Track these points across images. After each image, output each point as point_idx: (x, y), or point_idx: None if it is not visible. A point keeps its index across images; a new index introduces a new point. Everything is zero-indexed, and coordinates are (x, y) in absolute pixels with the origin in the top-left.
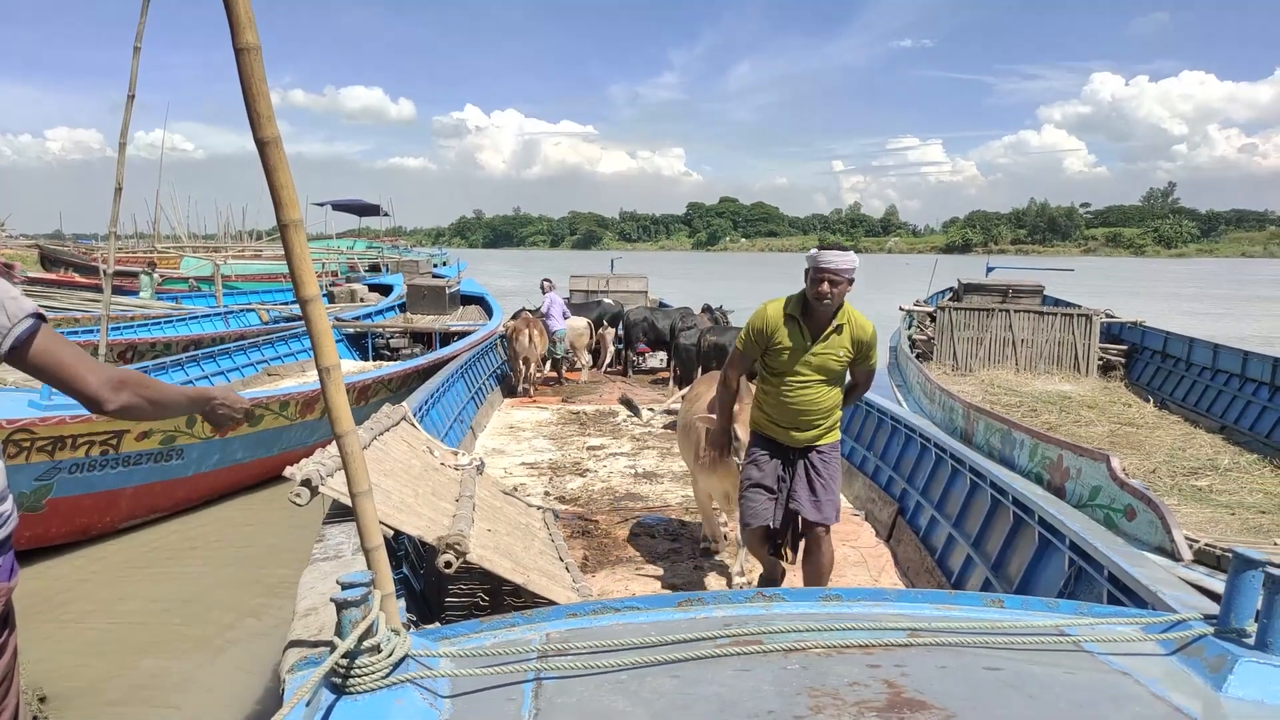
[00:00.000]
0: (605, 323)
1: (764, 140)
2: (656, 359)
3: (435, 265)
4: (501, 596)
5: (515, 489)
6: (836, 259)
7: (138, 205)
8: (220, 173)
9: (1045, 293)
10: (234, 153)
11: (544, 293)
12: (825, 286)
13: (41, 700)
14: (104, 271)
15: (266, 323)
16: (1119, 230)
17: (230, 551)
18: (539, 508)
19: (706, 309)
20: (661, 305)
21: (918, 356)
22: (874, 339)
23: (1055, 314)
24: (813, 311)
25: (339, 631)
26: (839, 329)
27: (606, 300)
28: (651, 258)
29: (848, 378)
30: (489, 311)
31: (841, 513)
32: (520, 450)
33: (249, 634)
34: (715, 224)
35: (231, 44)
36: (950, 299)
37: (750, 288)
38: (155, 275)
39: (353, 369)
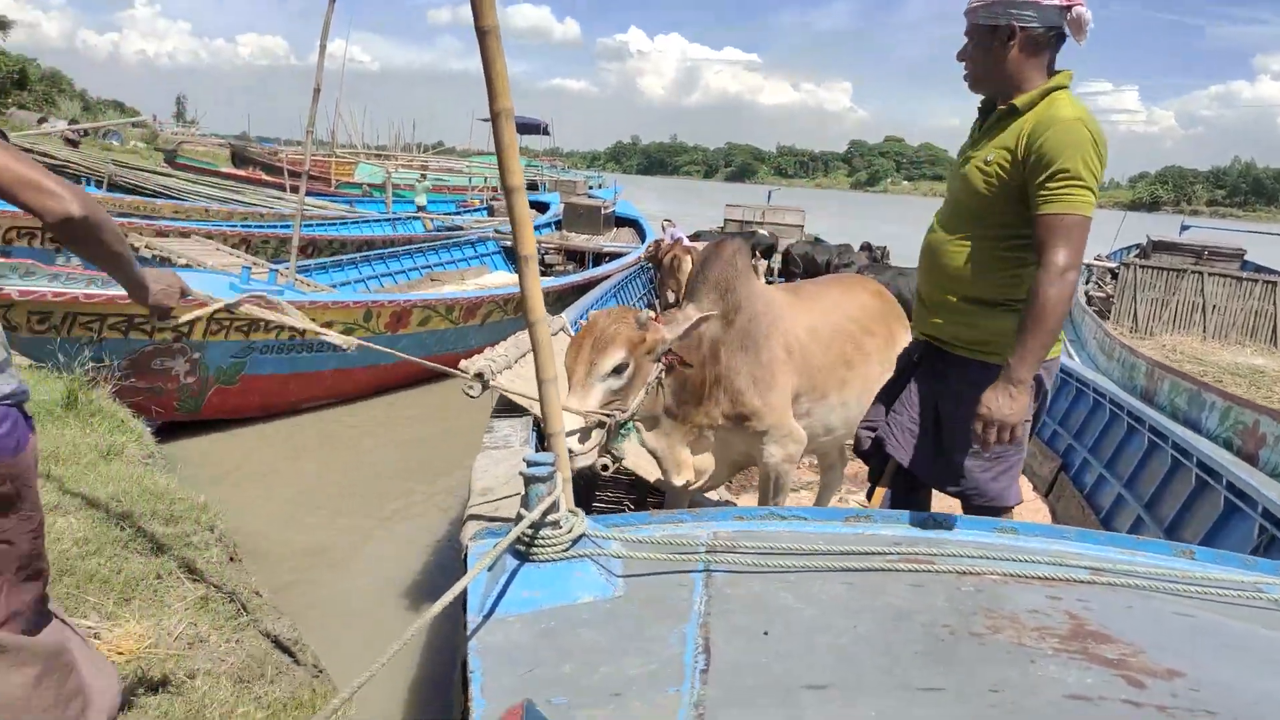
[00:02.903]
0: (758, 254)
1: (937, 78)
2: None
3: (590, 187)
4: (646, 508)
5: None
6: None
7: (320, 113)
8: (392, 86)
9: (1245, 258)
10: (405, 66)
11: (664, 231)
12: (962, 53)
13: (232, 558)
14: (286, 173)
15: (430, 230)
16: None
17: (397, 438)
18: None
19: (866, 247)
20: (817, 241)
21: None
22: (1064, 139)
23: (1256, 280)
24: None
25: (525, 504)
26: (1006, 117)
27: (761, 231)
28: (807, 194)
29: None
30: (642, 235)
31: None
32: None
33: (419, 509)
34: (877, 164)
35: None
36: (1136, 256)
37: (910, 232)
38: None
39: (509, 280)
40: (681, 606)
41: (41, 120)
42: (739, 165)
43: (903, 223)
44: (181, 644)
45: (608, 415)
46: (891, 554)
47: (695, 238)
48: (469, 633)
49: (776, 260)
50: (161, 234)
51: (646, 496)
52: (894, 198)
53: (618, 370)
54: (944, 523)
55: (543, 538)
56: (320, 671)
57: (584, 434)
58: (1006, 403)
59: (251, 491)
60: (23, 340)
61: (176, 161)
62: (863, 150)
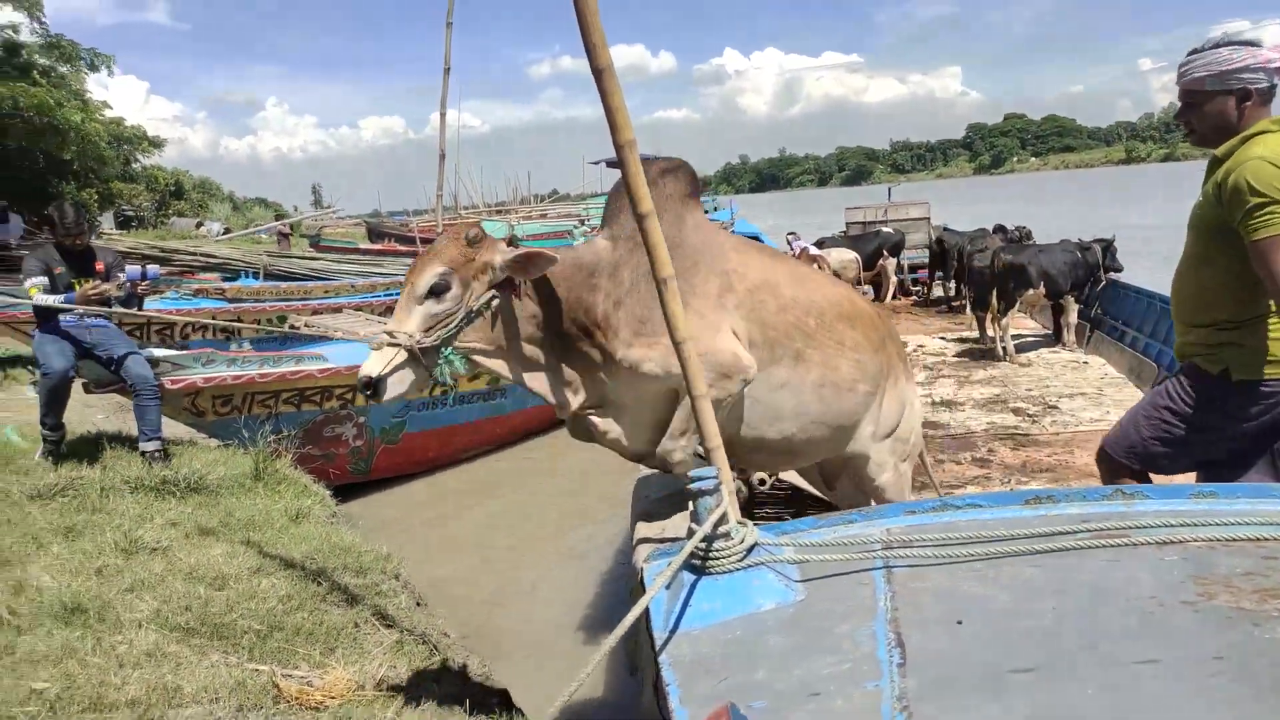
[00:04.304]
0: (886, 252)
1: (1053, 47)
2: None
3: (706, 212)
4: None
5: None
6: (1188, 63)
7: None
8: (503, 143)
9: None
10: (512, 122)
11: (790, 245)
12: (1184, 115)
13: (418, 604)
14: (419, 241)
15: None
16: None
17: (550, 478)
18: None
19: (1000, 229)
20: (946, 230)
21: None
22: (1248, 183)
23: None
24: None
25: (695, 518)
26: (1218, 163)
27: (885, 229)
28: (928, 187)
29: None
30: None
31: None
32: None
33: (585, 540)
34: (1000, 144)
35: None
36: None
37: (1045, 211)
38: (584, 226)
39: None
40: (866, 604)
41: (198, 225)
42: (853, 168)
43: (1037, 201)
44: (384, 687)
45: (420, 341)
46: (1081, 532)
47: (820, 245)
48: (658, 649)
49: (906, 256)
50: (316, 312)
51: (806, 508)
52: (1022, 177)
53: (435, 291)
54: (1134, 494)
55: (717, 550)
56: (511, 705)
57: (406, 361)
58: None
59: (426, 540)
60: (211, 424)
61: (320, 244)
62: (982, 133)
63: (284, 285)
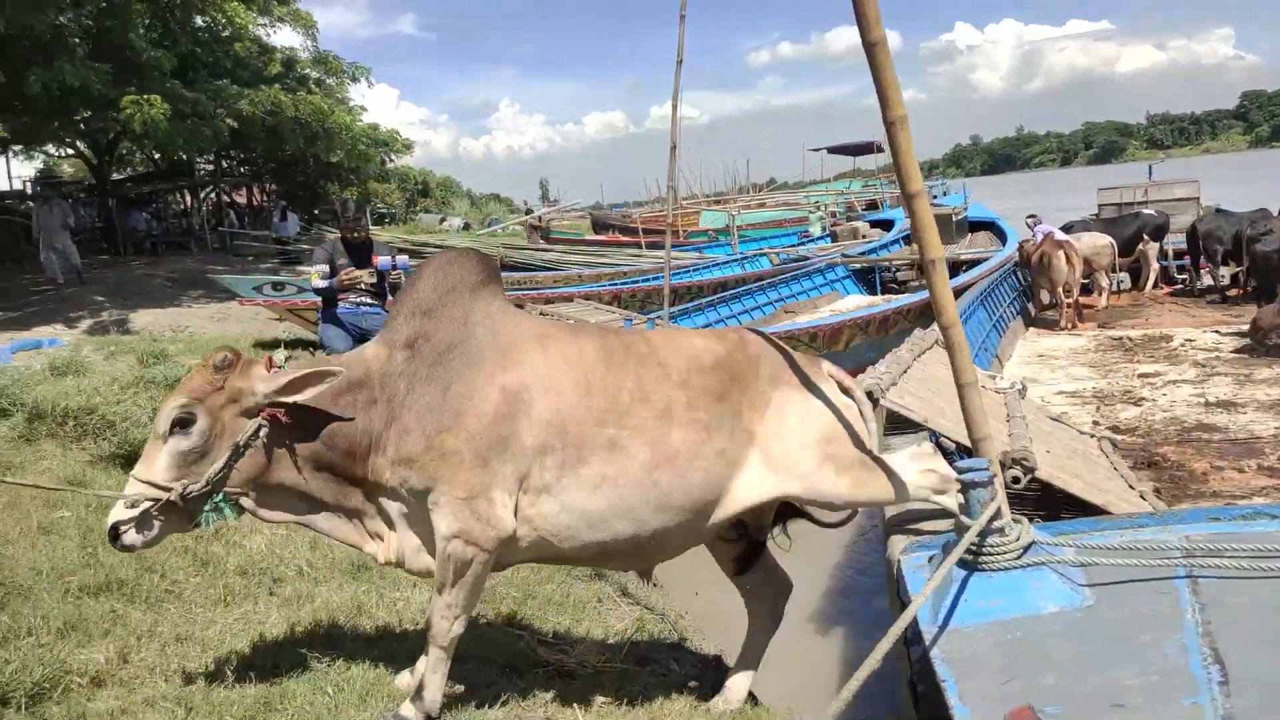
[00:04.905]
0: (1146, 236)
1: None
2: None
3: (935, 196)
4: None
5: (1060, 416)
6: None
7: (659, 171)
8: (722, 133)
9: None
10: (731, 112)
11: (1031, 229)
12: None
13: (654, 584)
14: (641, 231)
15: (777, 265)
16: None
17: None
18: (1091, 435)
19: None
20: (1220, 212)
21: None
22: None
23: None
24: None
25: (968, 512)
26: None
27: (1146, 211)
28: (1194, 163)
29: None
30: (1001, 237)
31: None
32: (1055, 379)
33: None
34: None
35: None
36: None
37: None
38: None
39: (863, 303)
40: (1168, 615)
41: (442, 220)
42: (1102, 145)
43: None
44: (631, 659)
45: (170, 488)
46: None
47: (1068, 230)
48: (929, 643)
49: (1170, 241)
50: (549, 301)
51: (1061, 511)
52: None
53: (179, 426)
54: None
55: (990, 546)
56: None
57: (154, 510)
58: None
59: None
60: None
61: (550, 237)
62: (1260, 101)
63: (517, 275)
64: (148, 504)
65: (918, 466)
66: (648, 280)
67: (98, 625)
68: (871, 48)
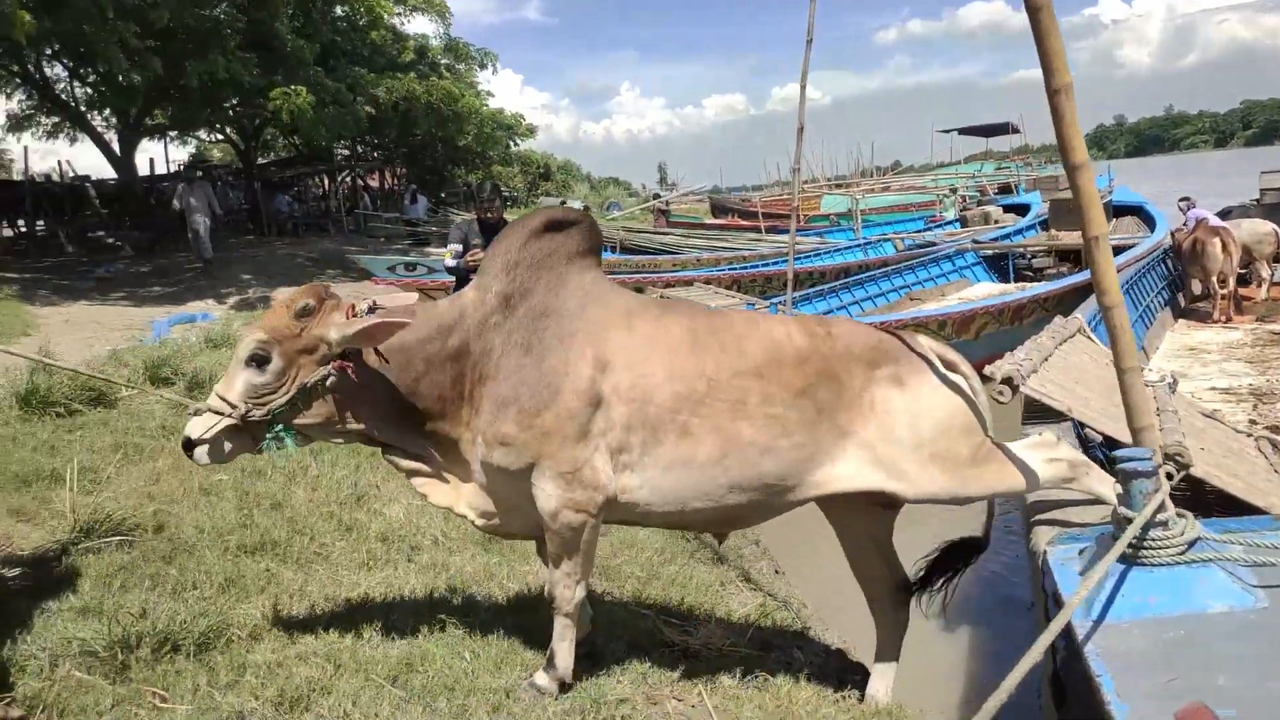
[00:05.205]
0: None
1: None
2: None
3: None
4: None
5: (1213, 413)
6: None
7: (780, 155)
8: (845, 115)
9: None
10: (856, 93)
11: (1184, 214)
12: None
13: (777, 571)
14: (760, 215)
15: (902, 251)
16: None
17: None
18: (1248, 434)
19: None
20: None
21: None
22: None
23: None
24: None
25: (1129, 504)
26: None
27: None
28: None
29: None
30: (1149, 223)
31: None
32: (1207, 374)
33: (943, 518)
34: None
35: None
36: None
37: None
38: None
39: (995, 290)
40: None
41: (562, 202)
42: (1263, 125)
43: None
44: (754, 644)
45: (237, 407)
46: None
47: (1225, 215)
48: (1082, 638)
49: None
50: (669, 285)
51: (1210, 511)
52: None
53: (255, 362)
54: None
55: (1152, 540)
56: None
57: (229, 429)
58: None
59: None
60: None
61: (669, 220)
62: None
63: (637, 258)
64: (215, 420)
65: (1042, 455)
66: (768, 265)
67: (254, 582)
68: (1035, 11)
